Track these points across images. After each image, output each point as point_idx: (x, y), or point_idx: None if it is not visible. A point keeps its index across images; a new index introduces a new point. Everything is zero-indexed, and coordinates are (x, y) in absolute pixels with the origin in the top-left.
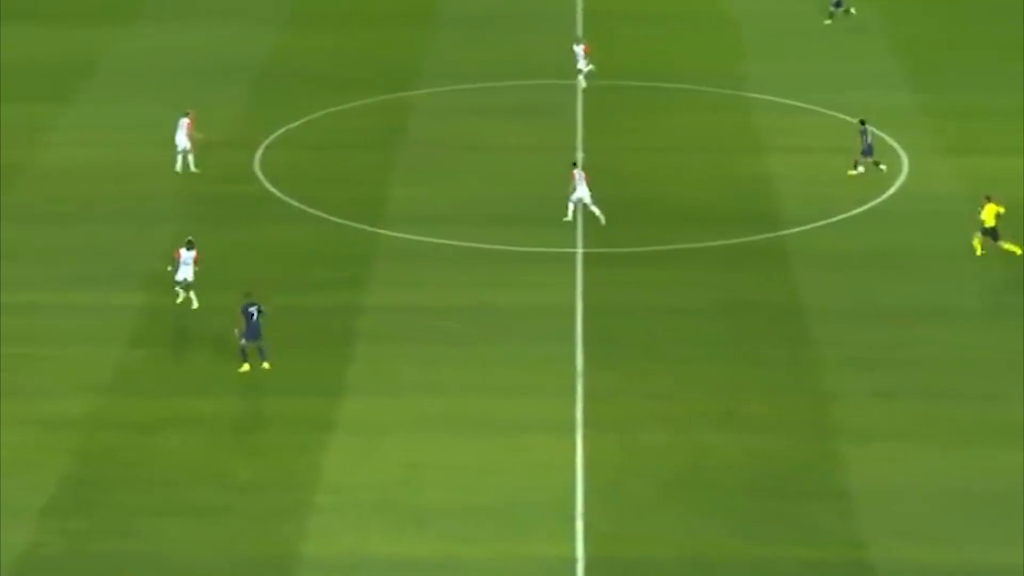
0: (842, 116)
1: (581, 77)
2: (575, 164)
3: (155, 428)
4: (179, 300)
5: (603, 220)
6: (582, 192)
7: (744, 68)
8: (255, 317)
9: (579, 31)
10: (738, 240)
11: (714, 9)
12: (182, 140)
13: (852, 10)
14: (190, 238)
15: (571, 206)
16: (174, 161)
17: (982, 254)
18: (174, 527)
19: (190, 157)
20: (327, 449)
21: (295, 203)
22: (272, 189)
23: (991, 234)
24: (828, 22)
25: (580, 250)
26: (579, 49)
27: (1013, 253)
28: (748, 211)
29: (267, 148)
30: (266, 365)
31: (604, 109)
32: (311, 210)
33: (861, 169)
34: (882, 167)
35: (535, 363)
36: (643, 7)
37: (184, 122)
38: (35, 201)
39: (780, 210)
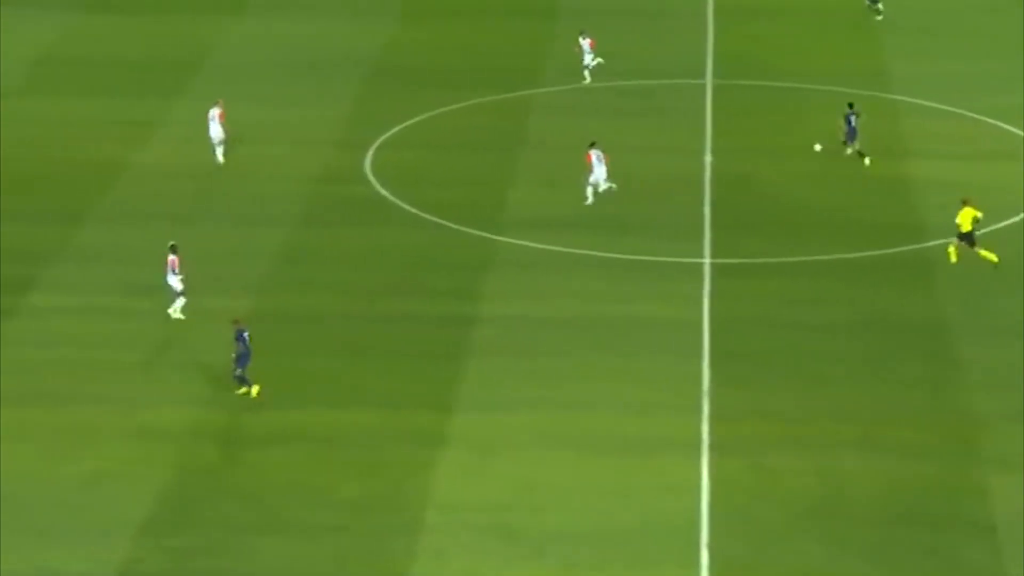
0: (995, 122)
1: (586, 72)
2: (592, 144)
3: (259, 442)
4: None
5: (614, 189)
6: (599, 174)
7: (886, 67)
8: (247, 344)
9: (708, 28)
10: (878, 251)
11: (851, 4)
12: (216, 131)
13: (880, 5)
14: (172, 243)
15: (589, 190)
16: (213, 153)
17: (956, 261)
18: (278, 546)
19: (218, 149)
20: (438, 466)
21: (407, 207)
22: (383, 191)
23: (967, 239)
24: (879, 18)
25: (708, 260)
26: (585, 43)
27: (989, 261)
28: (889, 220)
29: (379, 148)
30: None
31: (735, 110)
32: (424, 214)
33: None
34: (866, 161)
35: (659, 379)
36: (777, 1)
37: (216, 112)
38: (141, 200)
39: (924, 220)
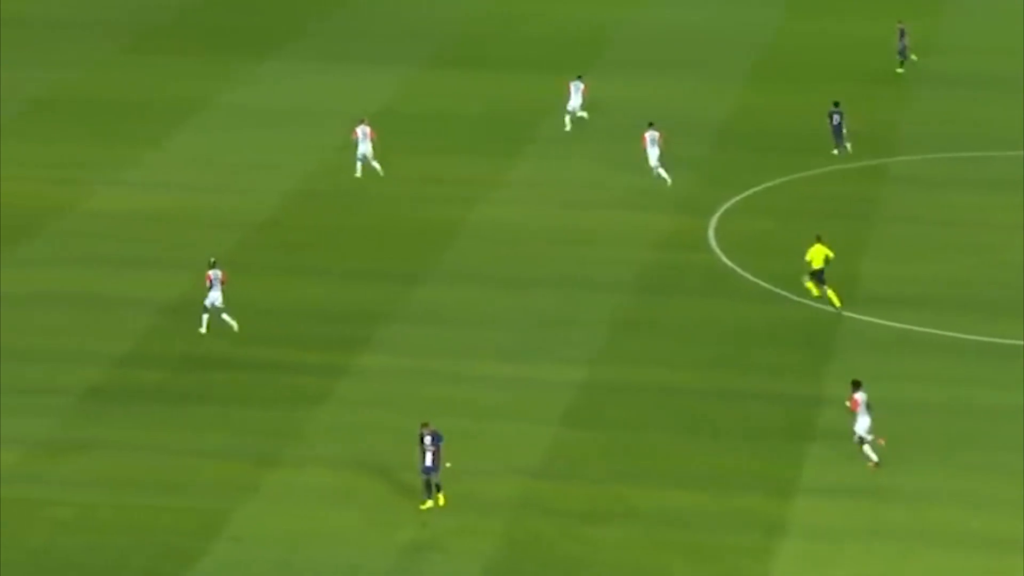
0: None
1: (568, 118)
2: (651, 124)
3: (589, 518)
4: (203, 329)
5: (669, 181)
6: (652, 155)
7: None
8: (433, 445)
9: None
10: None
11: None
12: (365, 148)
13: (914, 56)
14: (213, 259)
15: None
16: (354, 168)
17: (818, 295)
18: None
19: (359, 164)
20: (778, 555)
21: (751, 277)
22: (726, 260)
23: (817, 277)
24: (900, 70)
25: None
26: (576, 87)
27: (831, 303)
28: None
29: (724, 214)
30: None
31: None
32: (768, 285)
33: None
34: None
35: (1005, 473)
36: None
37: (366, 130)
38: (475, 261)
39: None
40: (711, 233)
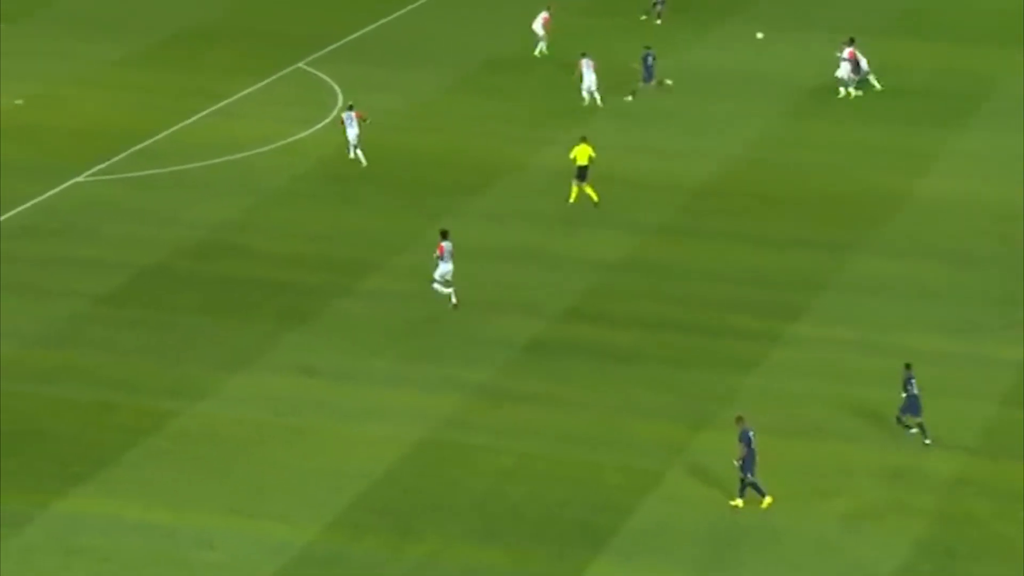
0: None
1: (587, 94)
2: (583, 54)
3: None
4: (453, 301)
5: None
6: (589, 80)
7: None
8: (752, 444)
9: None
10: None
11: None
12: (352, 133)
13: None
14: (444, 228)
15: (585, 95)
16: (348, 149)
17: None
18: None
19: (358, 151)
20: None
21: None
22: None
23: (581, 175)
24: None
25: None
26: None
27: (591, 198)
28: None
29: None
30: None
31: None
32: None
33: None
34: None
35: None
36: None
37: (352, 115)
38: (918, 234)
39: None
40: None
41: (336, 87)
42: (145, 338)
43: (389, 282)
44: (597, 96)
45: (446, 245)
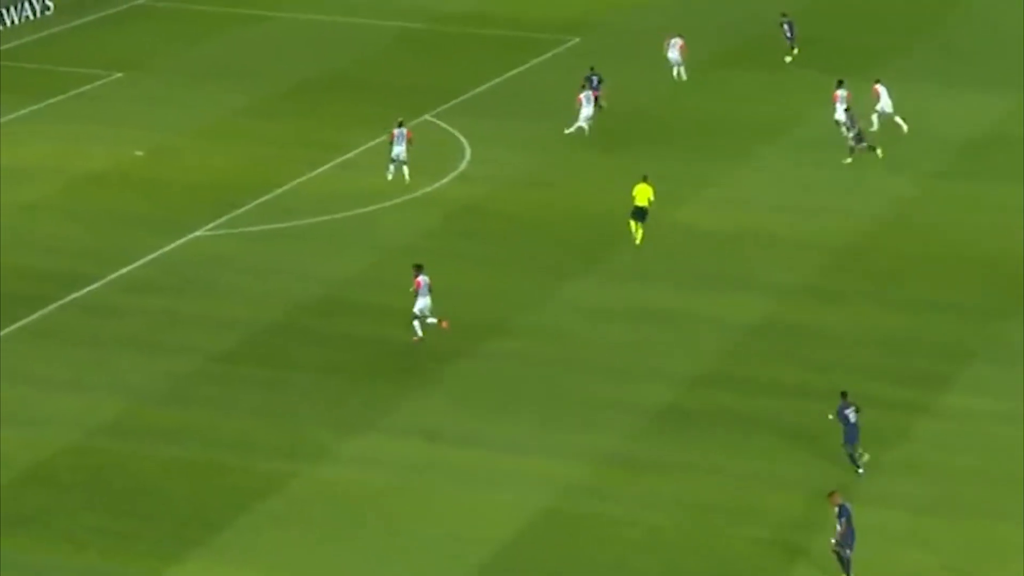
0: None
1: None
2: (587, 81)
3: None
4: (418, 334)
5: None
6: (587, 112)
7: None
8: (851, 521)
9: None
10: None
11: None
12: (399, 151)
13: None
14: (418, 263)
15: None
16: (387, 168)
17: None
18: None
19: (405, 168)
20: None
21: None
22: None
23: (639, 215)
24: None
25: None
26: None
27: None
28: None
29: None
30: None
31: None
32: None
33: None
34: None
35: None
36: None
37: (403, 132)
38: None
39: None
40: None
41: (463, 140)
42: (261, 397)
43: (513, 343)
44: (586, 126)
45: (423, 279)
